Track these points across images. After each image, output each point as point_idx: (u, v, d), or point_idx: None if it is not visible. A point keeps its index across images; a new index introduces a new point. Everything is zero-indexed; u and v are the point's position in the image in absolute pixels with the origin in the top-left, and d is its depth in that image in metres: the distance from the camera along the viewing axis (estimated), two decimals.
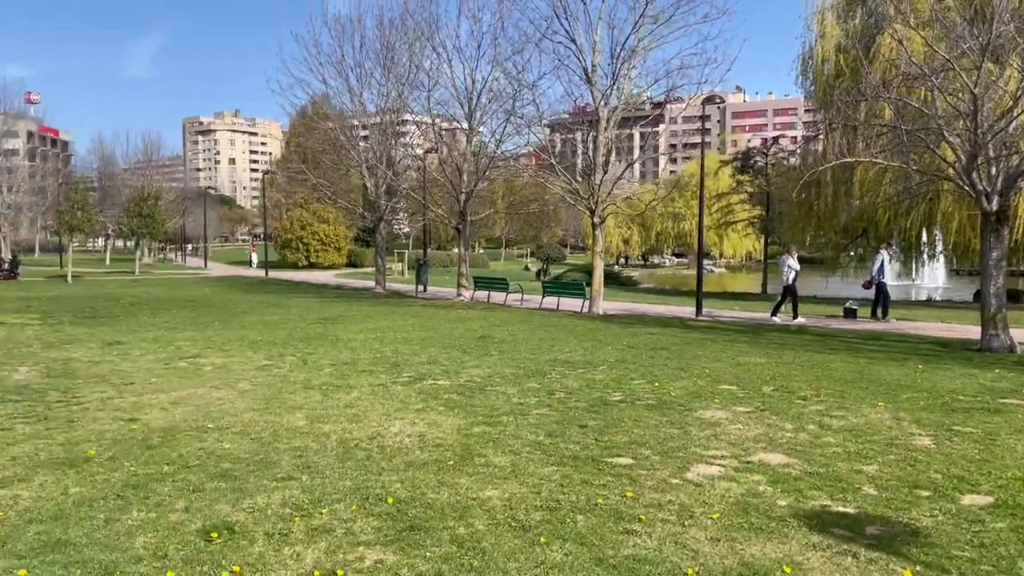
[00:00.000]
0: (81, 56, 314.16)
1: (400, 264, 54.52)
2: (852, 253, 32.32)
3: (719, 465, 6.34)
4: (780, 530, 4.89)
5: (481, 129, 26.72)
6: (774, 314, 19.99)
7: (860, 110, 21.39)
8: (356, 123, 30.66)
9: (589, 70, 21.38)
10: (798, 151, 37.04)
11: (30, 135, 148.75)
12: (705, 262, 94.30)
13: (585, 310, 22.34)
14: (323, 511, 5.11)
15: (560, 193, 23.15)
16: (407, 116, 30.05)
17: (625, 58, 21.13)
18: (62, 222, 40.36)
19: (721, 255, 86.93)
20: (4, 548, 4.37)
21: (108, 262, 64.18)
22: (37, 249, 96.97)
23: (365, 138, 30.50)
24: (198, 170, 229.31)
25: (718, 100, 21.56)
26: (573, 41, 21.37)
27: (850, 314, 20.87)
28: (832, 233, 30.22)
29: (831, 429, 7.58)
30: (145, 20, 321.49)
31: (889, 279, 20.83)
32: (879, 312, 19.99)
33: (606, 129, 21.52)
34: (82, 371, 10.93)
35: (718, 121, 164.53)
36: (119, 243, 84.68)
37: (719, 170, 48.99)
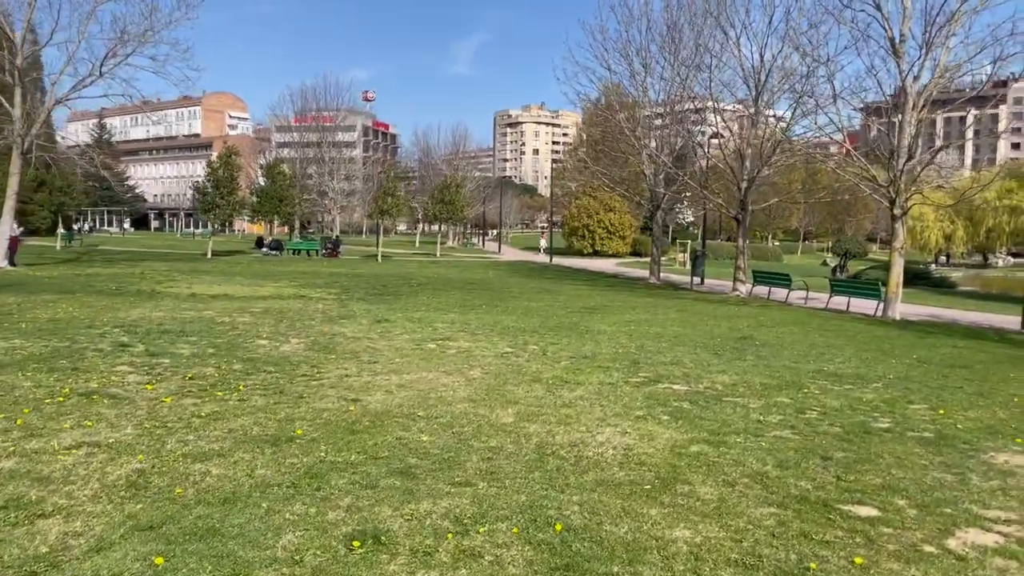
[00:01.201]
0: (412, 58, 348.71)
1: (682, 254, 53.07)
2: None
3: (999, 532, 4.81)
4: None
5: (768, 112, 24.69)
6: None
7: None
8: (638, 110, 29.95)
9: (896, 40, 18.66)
10: None
11: (365, 129, 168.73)
12: None
13: (879, 314, 19.74)
14: (481, 530, 4.59)
15: (854, 181, 20.61)
16: (688, 104, 28.72)
17: (942, 24, 18.14)
18: (374, 207, 44.72)
19: None
20: (160, 530, 4.39)
21: (417, 244, 70.31)
22: (364, 231, 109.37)
23: (645, 123, 29.73)
24: (505, 160, 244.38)
25: None
26: (878, 7, 18.77)
27: None
28: None
29: None
30: (470, 21, 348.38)
31: None
32: None
33: (914, 108, 18.66)
34: (341, 347, 11.57)
35: None
36: (434, 227, 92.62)
37: None
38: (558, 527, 4.65)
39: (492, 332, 13.69)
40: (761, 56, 23.42)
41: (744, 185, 24.52)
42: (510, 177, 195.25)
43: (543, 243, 61.76)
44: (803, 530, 4.76)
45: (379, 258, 43.08)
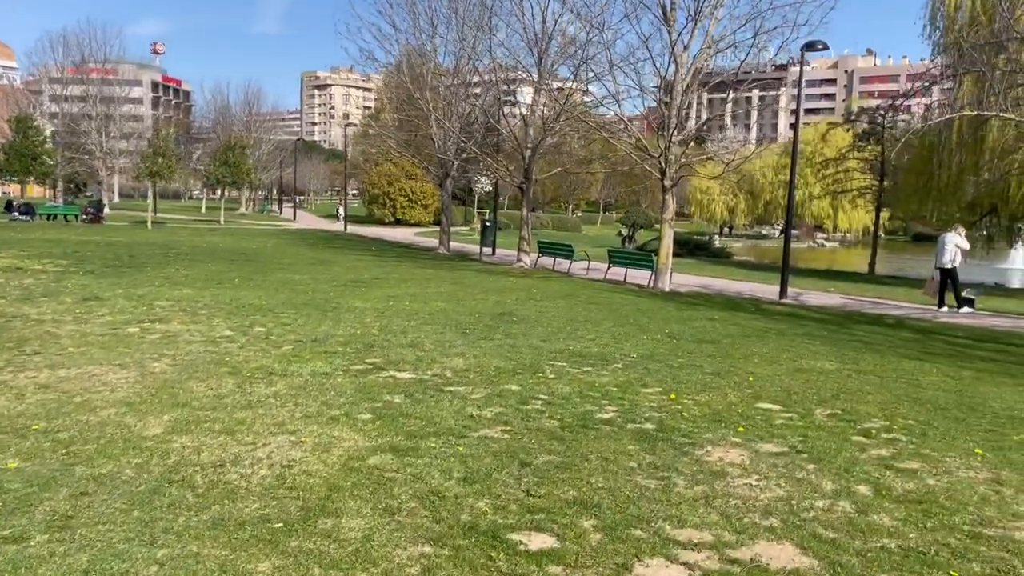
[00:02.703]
0: (213, 12, 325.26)
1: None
2: (981, 233, 28.29)
3: (684, 564, 4.01)
4: None
5: (551, 80, 24.16)
6: (960, 305, 17.50)
7: (997, 61, 17.75)
8: (426, 72, 28.56)
9: (667, 8, 18.52)
10: (917, 113, 32.69)
11: (154, 85, 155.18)
12: (818, 235, 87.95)
13: (650, 285, 19.82)
14: None
15: (626, 151, 20.50)
16: (473, 70, 27.63)
17: None
18: (142, 168, 40.49)
19: (835, 228, 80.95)
20: None
21: (204, 210, 65.35)
22: (151, 195, 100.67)
23: (435, 89, 28.44)
24: (313, 124, 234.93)
25: (820, 46, 18.28)
26: None
27: (966, 304, 17.61)
28: (956, 208, 26.28)
29: (891, 496, 5.09)
30: None
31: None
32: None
33: (684, 78, 18.68)
34: (8, 333, 9.47)
35: (844, 86, 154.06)
36: (232, 193, 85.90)
37: (828, 132, 44.50)
38: None
39: (221, 311, 11.96)
40: (544, 20, 22.82)
41: (528, 154, 23.94)
42: (318, 142, 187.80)
43: (341, 211, 59.24)
44: None
45: (149, 224, 39.11)
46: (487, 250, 30.37)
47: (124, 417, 6.16)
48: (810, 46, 18.26)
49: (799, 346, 11.20)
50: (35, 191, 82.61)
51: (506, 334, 10.94)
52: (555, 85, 25.02)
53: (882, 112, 33.64)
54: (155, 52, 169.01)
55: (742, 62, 17.82)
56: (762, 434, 6.44)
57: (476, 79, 28.04)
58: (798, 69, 20.79)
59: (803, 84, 19.68)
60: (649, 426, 6.54)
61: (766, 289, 21.12)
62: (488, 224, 30.40)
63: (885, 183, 32.68)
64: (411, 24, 27.42)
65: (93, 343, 9.08)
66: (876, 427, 6.82)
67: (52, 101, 67.17)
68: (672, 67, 18.66)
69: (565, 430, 6.31)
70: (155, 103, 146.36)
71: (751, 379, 8.62)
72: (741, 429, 6.54)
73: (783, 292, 19.12)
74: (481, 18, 25.47)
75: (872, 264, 33.23)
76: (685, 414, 6.97)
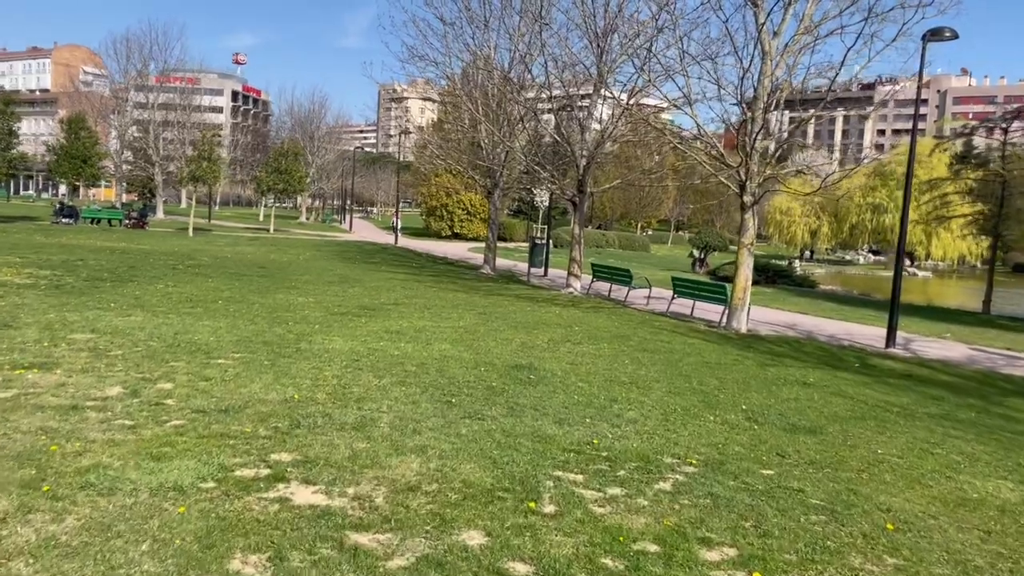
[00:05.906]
0: (302, 26, 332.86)
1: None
2: None
3: None
4: None
5: (612, 77, 20.74)
6: None
7: None
8: (475, 71, 25.62)
9: None
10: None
11: (235, 94, 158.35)
12: (906, 263, 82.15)
13: (723, 323, 16.24)
14: None
15: (698, 159, 16.94)
16: (528, 69, 24.44)
17: None
18: (184, 173, 38.72)
19: (927, 256, 74.67)
20: None
21: (261, 218, 63.96)
22: (229, 201, 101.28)
23: (483, 89, 25.41)
24: (389, 136, 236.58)
25: (948, 34, 14.52)
26: None
27: None
28: None
29: None
30: None
31: None
32: None
33: (774, 72, 15.12)
34: None
35: (936, 106, 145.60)
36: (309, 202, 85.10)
37: (932, 152, 39.72)
38: None
39: (140, 353, 8.99)
40: (606, 8, 19.49)
41: (583, 163, 20.58)
42: (393, 154, 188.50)
43: (395, 222, 56.85)
44: None
45: (191, 231, 37.19)
46: (537, 271, 27.14)
47: None
48: (936, 33, 14.54)
49: (944, 442, 7.56)
50: (114, 195, 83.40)
51: (509, 406, 7.63)
52: (617, 85, 21.56)
53: (1004, 127, 29.02)
54: (237, 62, 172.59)
55: (848, 49, 14.11)
56: None
57: (529, 80, 24.87)
58: (887, 88, 16.98)
59: (922, 81, 15.80)
60: None
61: (866, 332, 17.34)
62: (538, 242, 27.13)
63: (1004, 209, 28.06)
64: (459, 14, 24.48)
65: None
66: None
67: (117, 110, 66.77)
68: (758, 57, 15.10)
69: None
70: (234, 112, 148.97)
71: (890, 527, 5.12)
72: None
73: (890, 339, 15.35)
74: (538, 9, 22.29)
75: (987, 301, 28.60)
76: None
